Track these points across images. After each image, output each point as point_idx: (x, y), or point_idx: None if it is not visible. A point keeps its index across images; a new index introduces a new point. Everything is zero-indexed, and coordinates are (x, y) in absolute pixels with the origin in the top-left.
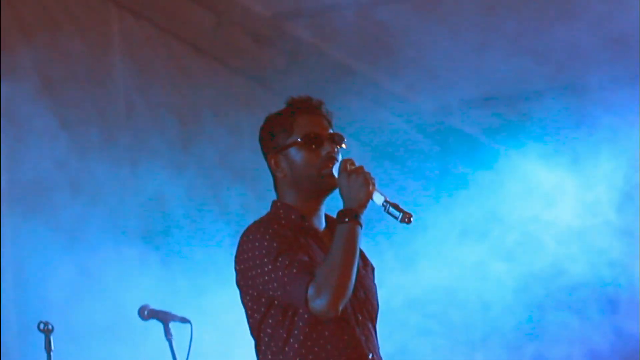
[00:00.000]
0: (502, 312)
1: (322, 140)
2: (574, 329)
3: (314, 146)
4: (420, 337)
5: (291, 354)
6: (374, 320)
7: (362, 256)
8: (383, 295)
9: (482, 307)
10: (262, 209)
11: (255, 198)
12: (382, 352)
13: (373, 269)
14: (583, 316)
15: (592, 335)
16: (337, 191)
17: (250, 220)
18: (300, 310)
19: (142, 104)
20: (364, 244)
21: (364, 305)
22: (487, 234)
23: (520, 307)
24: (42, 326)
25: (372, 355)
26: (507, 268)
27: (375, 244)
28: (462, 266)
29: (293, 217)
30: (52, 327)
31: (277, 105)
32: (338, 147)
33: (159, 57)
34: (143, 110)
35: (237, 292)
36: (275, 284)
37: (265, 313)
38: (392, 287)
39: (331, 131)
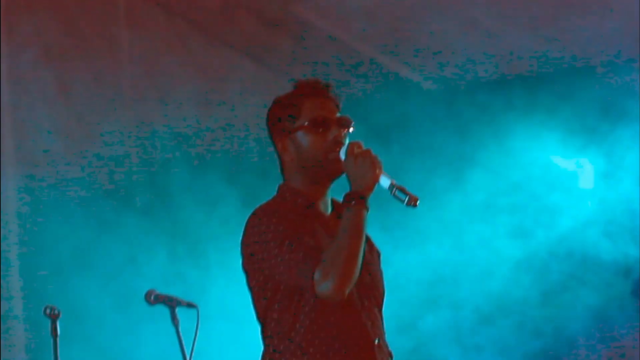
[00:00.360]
0: (512, 288)
1: (329, 124)
2: (588, 304)
3: (321, 130)
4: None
5: (297, 338)
6: (380, 305)
7: (368, 241)
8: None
9: (491, 282)
10: (269, 192)
11: (262, 181)
12: (393, 327)
13: (379, 254)
14: (596, 291)
15: (606, 309)
16: (343, 175)
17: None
18: (307, 295)
19: (148, 85)
20: (369, 228)
21: (370, 290)
22: (499, 211)
23: (531, 282)
24: (48, 311)
25: (378, 341)
26: (518, 244)
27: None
28: (473, 243)
29: (299, 200)
30: (59, 312)
31: (284, 87)
32: (345, 130)
33: (164, 38)
34: (148, 92)
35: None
36: (281, 268)
37: (271, 298)
38: (401, 265)
39: (339, 115)
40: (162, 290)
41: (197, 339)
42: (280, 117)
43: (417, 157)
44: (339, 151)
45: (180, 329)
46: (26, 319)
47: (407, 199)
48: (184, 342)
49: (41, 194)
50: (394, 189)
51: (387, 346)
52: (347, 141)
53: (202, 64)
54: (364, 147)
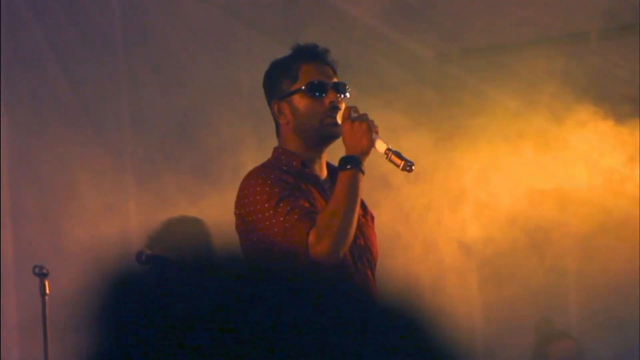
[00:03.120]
0: None
1: (326, 89)
2: None
3: (317, 94)
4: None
5: None
6: (372, 268)
7: (362, 205)
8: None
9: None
10: (257, 155)
11: (252, 145)
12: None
13: (373, 218)
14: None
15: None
16: (339, 140)
17: (248, 166)
18: (301, 257)
19: (141, 51)
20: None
21: (364, 253)
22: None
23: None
24: (37, 270)
25: None
26: (514, 214)
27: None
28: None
29: (294, 163)
30: (47, 271)
31: (276, 52)
32: (342, 96)
33: (159, 6)
34: (142, 59)
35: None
36: (275, 229)
37: (264, 259)
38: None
39: (335, 80)
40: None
41: None
42: (277, 81)
43: (411, 124)
44: (335, 116)
45: None
46: (17, 276)
47: (402, 164)
48: None
49: None
50: (390, 154)
51: None
52: (343, 106)
53: (195, 27)
54: (360, 112)
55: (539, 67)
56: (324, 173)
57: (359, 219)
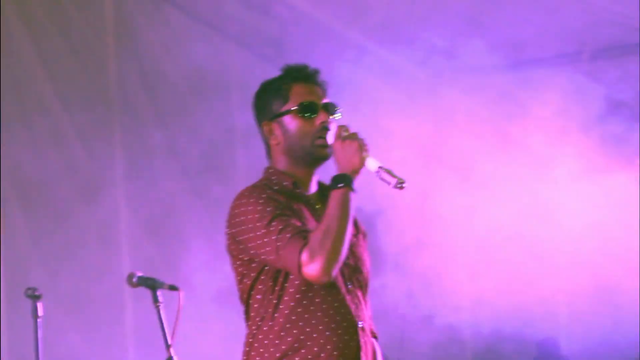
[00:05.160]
0: None
1: (317, 109)
2: None
3: (308, 115)
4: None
5: (281, 320)
6: (363, 288)
7: (354, 223)
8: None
9: None
10: (248, 175)
11: (249, 165)
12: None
13: (365, 235)
14: None
15: None
16: (331, 159)
17: (239, 185)
18: (291, 276)
19: (135, 69)
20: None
21: (354, 273)
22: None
23: None
24: (29, 292)
25: (362, 324)
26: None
27: None
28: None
29: (285, 183)
30: (40, 293)
31: (269, 71)
32: (333, 116)
33: (151, 22)
34: (134, 76)
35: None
36: (268, 248)
37: (255, 278)
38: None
39: (326, 100)
40: (145, 272)
41: (179, 321)
42: (268, 101)
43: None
44: (325, 137)
45: (162, 311)
46: (8, 300)
47: (394, 181)
48: (165, 324)
49: None
50: (381, 172)
51: (372, 328)
52: (333, 126)
53: (186, 47)
54: (350, 131)
55: (535, 87)
56: (315, 193)
57: (350, 239)
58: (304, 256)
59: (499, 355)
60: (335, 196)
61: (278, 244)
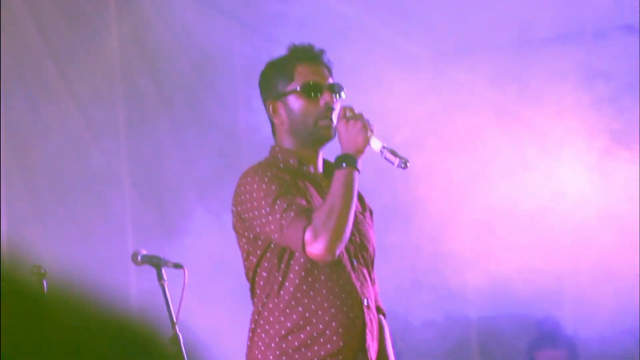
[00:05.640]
0: None
1: (321, 90)
2: None
3: (313, 95)
4: None
5: (286, 297)
6: (369, 266)
7: (361, 200)
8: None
9: None
10: (254, 151)
11: (249, 143)
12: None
13: (371, 213)
14: None
15: None
16: (335, 139)
17: (244, 166)
18: (297, 254)
19: (136, 51)
20: (361, 188)
21: (360, 250)
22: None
23: None
24: (35, 270)
25: (367, 301)
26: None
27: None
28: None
29: (291, 161)
30: (45, 271)
31: (270, 51)
32: (337, 97)
33: (154, 5)
34: (137, 59)
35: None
36: (272, 227)
37: (261, 256)
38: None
39: (331, 81)
40: (149, 250)
41: (184, 299)
42: (273, 81)
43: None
44: (330, 117)
45: (167, 289)
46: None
47: (398, 161)
48: (171, 302)
49: None
50: (385, 152)
51: (379, 304)
52: (338, 107)
53: (190, 28)
54: (355, 111)
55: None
56: (320, 171)
57: (356, 216)
58: (308, 235)
59: (503, 334)
60: (339, 176)
61: (282, 222)
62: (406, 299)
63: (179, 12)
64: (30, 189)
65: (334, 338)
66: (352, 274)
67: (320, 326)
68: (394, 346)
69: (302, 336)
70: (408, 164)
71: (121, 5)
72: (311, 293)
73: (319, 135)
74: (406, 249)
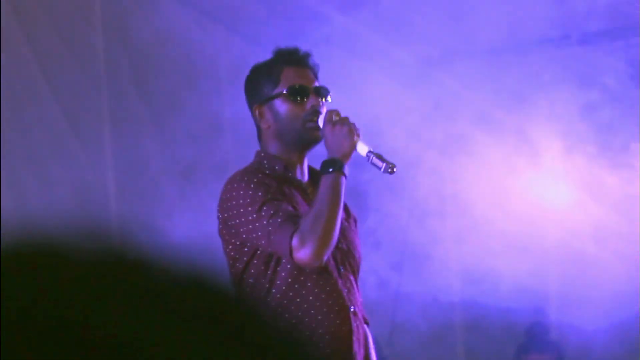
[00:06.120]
0: None
1: (307, 93)
2: None
3: (299, 98)
4: None
5: (273, 304)
6: (355, 273)
7: (345, 208)
8: None
9: None
10: (244, 160)
11: (237, 151)
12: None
13: (355, 221)
14: None
15: None
16: (321, 143)
17: (231, 172)
18: (283, 260)
19: (122, 58)
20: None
21: (347, 257)
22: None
23: None
24: None
25: (354, 308)
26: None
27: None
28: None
29: (277, 167)
30: None
31: (257, 55)
32: (323, 100)
33: (139, 8)
34: (123, 62)
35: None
36: (259, 233)
37: (247, 263)
38: None
39: (317, 84)
40: None
41: None
42: (259, 85)
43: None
44: (316, 120)
45: None
46: None
47: (384, 166)
48: None
49: None
50: (372, 156)
51: (363, 313)
52: (324, 110)
53: (173, 30)
54: (341, 115)
55: (525, 71)
56: (306, 176)
57: (341, 223)
58: (295, 241)
59: (490, 326)
60: (325, 181)
61: (269, 229)
62: (390, 306)
63: (164, 14)
64: (16, 198)
65: (321, 345)
66: (339, 281)
67: (307, 333)
68: (378, 353)
69: None
70: (395, 169)
71: (106, 6)
72: (298, 300)
73: (307, 137)
74: (391, 255)
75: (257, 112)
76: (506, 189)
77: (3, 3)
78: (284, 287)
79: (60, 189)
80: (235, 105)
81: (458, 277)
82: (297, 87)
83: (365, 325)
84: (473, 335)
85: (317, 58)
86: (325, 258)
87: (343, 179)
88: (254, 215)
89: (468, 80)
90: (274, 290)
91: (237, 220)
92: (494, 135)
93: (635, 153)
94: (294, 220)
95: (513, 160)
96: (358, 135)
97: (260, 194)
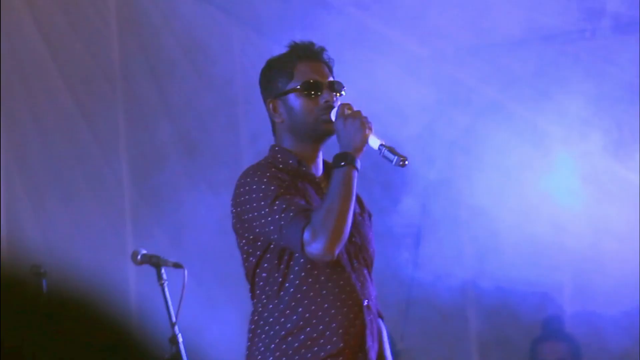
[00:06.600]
0: None
1: (321, 88)
2: None
3: (313, 93)
4: None
5: (286, 298)
6: (369, 267)
7: (360, 202)
8: None
9: None
10: (253, 155)
11: (248, 144)
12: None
13: (370, 216)
14: None
15: None
16: (335, 137)
17: (244, 165)
18: (297, 254)
19: (136, 49)
20: (360, 189)
21: (360, 251)
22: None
23: None
24: (34, 270)
25: (367, 302)
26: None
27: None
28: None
29: (291, 161)
30: (45, 271)
31: (270, 49)
32: (337, 94)
33: (154, 5)
34: (137, 56)
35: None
36: (272, 227)
37: (260, 257)
38: None
39: (331, 79)
40: (149, 250)
41: (184, 299)
42: (273, 79)
43: (404, 123)
44: (329, 115)
45: (166, 289)
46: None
47: (396, 159)
48: (170, 302)
49: None
50: (384, 149)
51: (376, 307)
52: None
53: (188, 27)
54: (354, 109)
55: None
56: (320, 170)
57: (355, 217)
58: (307, 235)
59: (503, 319)
60: (337, 174)
61: (281, 222)
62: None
63: (178, 9)
64: (29, 189)
65: (334, 339)
66: (352, 275)
67: (320, 327)
68: (392, 347)
69: (301, 337)
70: (407, 162)
71: (121, 4)
72: (311, 294)
73: (320, 129)
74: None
75: (271, 106)
76: (519, 182)
77: (19, 1)
78: (297, 281)
79: (75, 191)
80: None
81: (471, 269)
82: (310, 82)
83: (379, 320)
84: (486, 328)
85: (330, 52)
86: (337, 252)
87: (355, 173)
88: (267, 210)
89: (482, 74)
90: (287, 285)
91: (250, 215)
92: (507, 129)
93: None
94: (306, 214)
95: (526, 153)
96: (370, 129)
97: (273, 188)
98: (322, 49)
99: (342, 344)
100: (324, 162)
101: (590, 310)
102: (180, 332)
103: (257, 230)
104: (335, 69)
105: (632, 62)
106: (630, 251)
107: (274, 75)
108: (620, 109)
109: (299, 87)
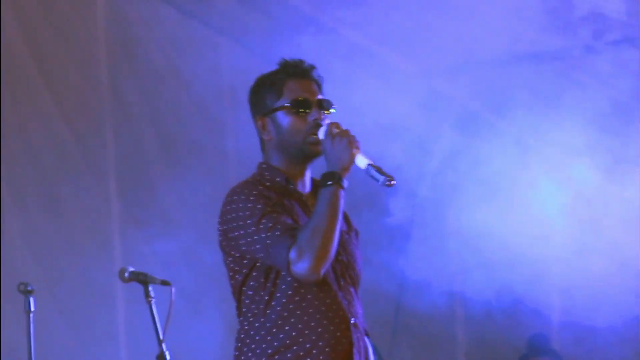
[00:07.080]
0: None
1: (310, 106)
2: None
3: (301, 111)
4: None
5: (273, 316)
6: (356, 285)
7: (346, 220)
8: None
9: None
10: (242, 170)
11: (237, 162)
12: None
13: (357, 234)
14: None
15: None
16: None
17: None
18: (283, 273)
19: (126, 67)
20: (346, 207)
21: (347, 269)
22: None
23: None
24: (21, 287)
25: (354, 320)
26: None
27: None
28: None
29: (278, 179)
30: (32, 288)
31: (260, 67)
32: (326, 112)
33: (142, 20)
34: (127, 73)
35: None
36: (258, 246)
37: (247, 275)
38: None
39: (320, 96)
40: (137, 267)
41: (171, 316)
42: (262, 96)
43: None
44: (317, 134)
45: (154, 307)
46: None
47: (383, 178)
48: (157, 320)
49: None
50: (371, 169)
51: (363, 325)
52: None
53: (177, 42)
54: (342, 128)
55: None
56: (307, 188)
57: (342, 235)
58: (292, 254)
59: (492, 333)
60: (324, 194)
61: (267, 241)
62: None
63: (166, 25)
64: (19, 205)
65: (321, 357)
66: (339, 293)
67: (307, 345)
68: None
69: (289, 355)
70: (393, 182)
71: (109, 17)
72: (298, 312)
73: (307, 151)
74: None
75: (259, 123)
76: (507, 197)
77: (3, 9)
78: (284, 300)
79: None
80: (238, 120)
81: (458, 284)
82: (299, 99)
83: (365, 337)
84: (474, 343)
85: (319, 70)
86: (322, 272)
87: (341, 192)
88: (253, 228)
89: (471, 91)
90: (274, 303)
91: (237, 233)
92: (496, 145)
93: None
94: (292, 233)
95: (515, 169)
96: (357, 148)
97: (259, 206)
98: (312, 67)
99: None
100: (313, 180)
101: (577, 324)
102: (167, 349)
103: (244, 248)
104: (324, 87)
105: (623, 79)
106: (617, 266)
107: (263, 93)
108: (609, 125)
109: (287, 104)
